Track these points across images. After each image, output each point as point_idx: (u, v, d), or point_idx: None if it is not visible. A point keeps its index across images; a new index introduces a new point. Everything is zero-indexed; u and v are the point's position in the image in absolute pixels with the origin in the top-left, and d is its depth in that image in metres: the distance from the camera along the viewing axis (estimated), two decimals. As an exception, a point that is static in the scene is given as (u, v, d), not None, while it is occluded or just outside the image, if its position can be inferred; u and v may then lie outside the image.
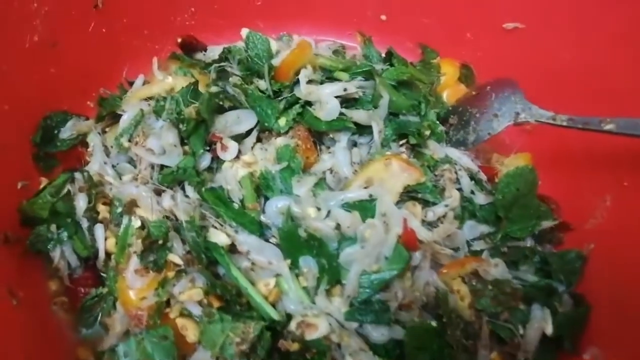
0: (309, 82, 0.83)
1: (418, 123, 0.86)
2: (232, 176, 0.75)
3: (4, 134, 0.79)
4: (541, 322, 0.72)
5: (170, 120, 0.77)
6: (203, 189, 0.73)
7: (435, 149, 0.86)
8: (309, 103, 0.83)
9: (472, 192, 0.82)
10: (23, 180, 0.81)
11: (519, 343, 0.71)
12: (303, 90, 0.81)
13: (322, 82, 0.84)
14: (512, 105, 0.85)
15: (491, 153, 0.96)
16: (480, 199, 0.82)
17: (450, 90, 1.08)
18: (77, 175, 0.82)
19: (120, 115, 0.87)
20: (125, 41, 1.01)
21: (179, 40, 1.00)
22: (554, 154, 0.95)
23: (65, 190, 0.81)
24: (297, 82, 0.83)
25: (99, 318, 0.74)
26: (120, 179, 0.79)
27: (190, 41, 0.99)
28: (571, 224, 0.87)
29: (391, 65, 0.96)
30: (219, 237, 0.69)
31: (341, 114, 0.81)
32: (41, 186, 0.83)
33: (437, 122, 0.91)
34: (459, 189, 0.82)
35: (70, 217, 0.77)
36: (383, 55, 1.01)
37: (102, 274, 0.78)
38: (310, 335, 0.64)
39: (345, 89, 0.81)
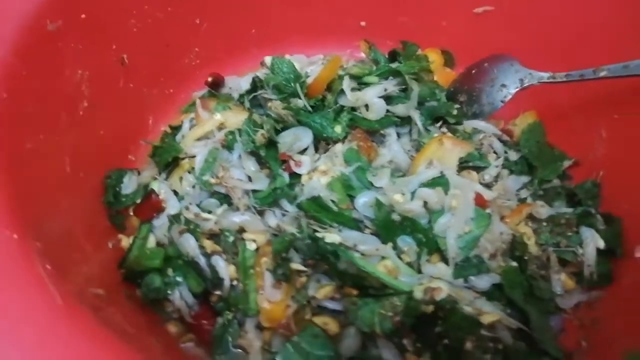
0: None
1: (445, 106, 1.00)
2: (318, 184, 0.84)
3: (88, 199, 0.82)
4: (593, 239, 0.87)
5: (248, 149, 0.84)
6: (301, 201, 0.81)
7: (465, 124, 1.00)
8: (353, 109, 0.94)
9: (505, 152, 0.97)
10: (110, 240, 0.85)
11: (582, 261, 0.87)
12: (350, 98, 0.91)
13: (359, 89, 0.95)
14: (514, 74, 1.01)
15: (498, 120, 1.12)
16: (513, 156, 0.97)
17: (439, 75, 1.22)
18: (156, 222, 0.87)
19: (177, 159, 0.93)
20: (147, 92, 1.05)
21: (210, 79, 1.06)
22: (548, 108, 1.12)
23: (151, 239, 0.85)
24: (339, 92, 0.93)
25: (231, 342, 0.79)
26: (210, 213, 0.84)
27: (218, 78, 1.05)
28: (579, 160, 1.05)
29: (399, 62, 1.09)
30: (333, 237, 0.78)
31: (388, 111, 0.93)
32: (123, 243, 0.87)
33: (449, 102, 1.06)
34: (494, 152, 0.97)
35: (180, 259, 0.81)
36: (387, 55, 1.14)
37: (212, 304, 0.83)
38: (439, 296, 0.75)
39: (385, 89, 0.93)
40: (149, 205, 0.91)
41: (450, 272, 0.80)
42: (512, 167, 0.96)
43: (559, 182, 1.00)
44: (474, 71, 1.10)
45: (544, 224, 0.89)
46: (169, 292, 0.80)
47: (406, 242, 0.81)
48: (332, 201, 0.83)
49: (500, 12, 1.15)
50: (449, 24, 1.23)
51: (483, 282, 0.80)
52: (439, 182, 0.85)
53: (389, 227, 0.81)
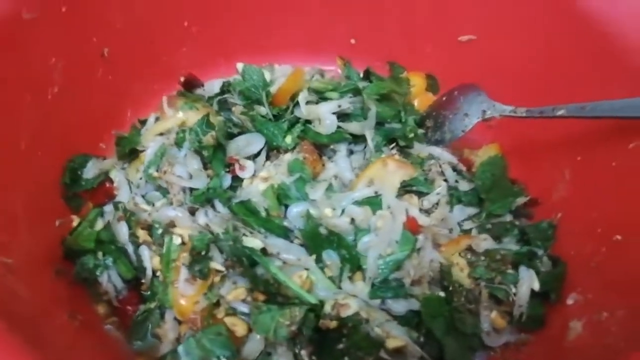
0: (306, 103, 0.96)
1: (402, 129, 1.01)
2: (255, 190, 0.86)
3: (40, 180, 0.88)
4: (529, 280, 0.85)
5: (193, 148, 0.88)
6: (233, 204, 0.84)
7: (420, 149, 1.00)
8: (308, 121, 0.96)
9: (456, 181, 0.96)
10: (59, 219, 0.90)
11: (513, 300, 0.85)
12: (304, 111, 0.94)
13: (317, 102, 0.97)
14: (478, 104, 1.01)
15: (462, 149, 1.12)
16: (464, 186, 0.96)
17: (420, 99, 1.22)
18: (106, 208, 0.92)
19: (137, 151, 0.98)
20: (128, 85, 1.11)
21: (182, 79, 1.11)
22: (516, 143, 1.11)
23: (99, 223, 0.90)
24: (296, 104, 0.96)
25: (150, 330, 0.82)
26: (153, 205, 0.88)
27: (192, 79, 1.10)
28: (539, 199, 1.03)
29: (370, 81, 1.10)
30: (254, 242, 0.80)
31: (338, 127, 0.95)
32: (74, 223, 0.92)
33: (416, 127, 1.06)
34: (445, 180, 0.97)
35: (113, 244, 0.85)
36: (361, 74, 1.15)
37: (142, 292, 0.87)
38: (345, 313, 0.76)
39: (339, 106, 0.95)
40: (104, 191, 0.97)
41: (366, 291, 0.80)
42: (462, 197, 0.95)
43: (511, 218, 0.98)
44: (444, 98, 1.10)
45: (482, 258, 0.88)
46: (98, 273, 0.84)
47: (330, 257, 0.82)
48: (265, 208, 0.85)
49: (483, 42, 1.15)
50: (434, 50, 1.23)
51: (399, 306, 0.80)
52: (372, 201, 0.86)
53: (315, 239, 0.83)
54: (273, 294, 0.76)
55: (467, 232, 0.93)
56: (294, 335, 0.73)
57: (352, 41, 1.30)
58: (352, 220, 0.84)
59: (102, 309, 0.85)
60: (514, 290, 0.85)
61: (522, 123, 1.05)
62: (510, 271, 0.88)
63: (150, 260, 0.83)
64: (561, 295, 0.85)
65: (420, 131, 1.05)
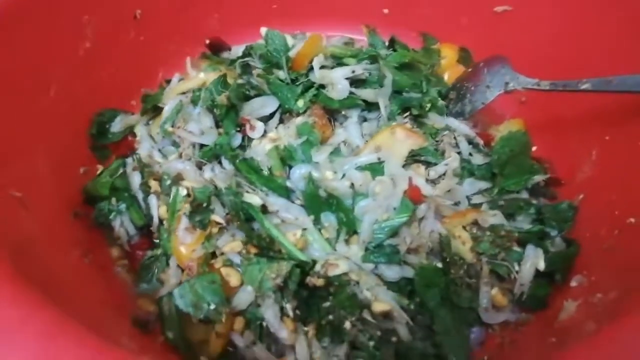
0: (322, 68, 0.96)
1: (420, 98, 0.98)
2: (261, 150, 0.88)
3: (66, 129, 0.94)
4: (534, 259, 0.82)
5: (206, 107, 0.91)
6: (237, 161, 0.86)
7: (436, 120, 0.98)
8: (322, 86, 0.96)
9: (470, 154, 0.94)
10: (84, 167, 0.96)
11: (515, 278, 0.82)
12: (317, 75, 0.94)
13: (333, 68, 0.97)
14: (501, 76, 0.97)
15: (489, 124, 1.08)
16: (478, 159, 0.93)
17: (451, 71, 1.19)
18: (129, 160, 0.97)
19: (161, 109, 1.02)
20: (160, 46, 1.16)
21: (207, 41, 1.14)
22: (545, 121, 1.06)
23: (120, 172, 0.96)
24: (312, 69, 0.96)
25: (155, 274, 0.87)
26: (167, 159, 0.93)
27: (217, 42, 1.13)
28: (562, 179, 0.98)
29: (394, 50, 1.08)
30: (253, 198, 0.82)
31: (351, 93, 0.94)
32: (98, 172, 0.99)
33: (438, 98, 1.03)
34: (459, 153, 0.94)
35: (127, 192, 0.91)
36: (387, 43, 1.13)
37: (154, 239, 0.92)
38: (333, 272, 0.76)
39: (353, 71, 0.94)
40: (128, 144, 1.02)
41: (360, 254, 0.80)
42: (474, 171, 0.92)
43: (528, 196, 0.94)
44: (470, 70, 1.06)
45: (487, 233, 0.85)
46: (111, 218, 0.90)
47: (328, 219, 0.83)
48: (269, 167, 0.87)
49: (518, 13, 1.10)
50: (469, 21, 1.19)
51: (392, 272, 0.80)
52: (375, 167, 0.85)
53: (315, 201, 0.84)
54: (265, 248, 0.78)
55: (476, 207, 0.90)
56: (280, 289, 0.74)
57: (385, 11, 1.28)
58: (352, 185, 0.83)
59: (115, 252, 0.91)
60: (517, 268, 0.82)
61: (553, 100, 1.01)
62: (517, 249, 0.85)
63: (157, 208, 0.87)
64: (567, 277, 0.81)
65: (442, 103, 1.02)
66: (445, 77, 1.18)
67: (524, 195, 0.94)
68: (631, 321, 0.51)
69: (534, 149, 1.07)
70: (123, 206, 0.90)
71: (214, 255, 0.83)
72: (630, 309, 0.54)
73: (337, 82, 0.93)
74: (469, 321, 0.82)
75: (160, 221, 0.88)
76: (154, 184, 0.89)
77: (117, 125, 1.03)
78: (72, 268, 0.78)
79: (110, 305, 0.79)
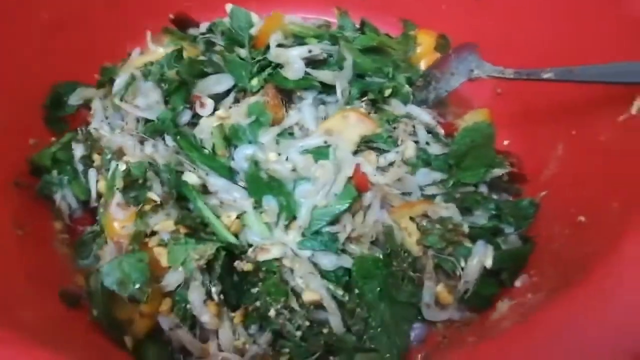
0: (280, 46, 0.92)
1: (382, 83, 0.94)
2: (206, 127, 0.85)
3: (17, 99, 0.92)
4: (481, 256, 0.78)
5: (155, 81, 0.88)
6: (179, 138, 0.83)
7: (397, 107, 0.94)
8: (280, 66, 0.93)
9: (428, 143, 0.89)
10: (34, 138, 0.94)
11: (460, 275, 0.78)
12: (272, 53, 0.90)
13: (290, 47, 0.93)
14: (467, 63, 0.92)
15: (461, 116, 1.03)
16: (436, 149, 0.89)
17: (428, 59, 1.14)
18: (79, 131, 0.96)
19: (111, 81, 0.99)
20: (126, 19, 1.13)
21: (172, 16, 1.11)
22: (520, 114, 1.01)
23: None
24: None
25: (94, 251, 0.85)
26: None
27: (182, 17, 1.10)
28: (529, 175, 0.93)
29: (363, 33, 1.04)
30: (190, 177, 0.80)
31: (308, 74, 0.91)
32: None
33: (406, 85, 0.99)
34: (416, 142, 0.90)
35: (69, 165, 0.89)
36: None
37: (97, 216, 0.90)
38: (262, 257, 0.73)
39: (310, 51, 0.90)
40: (83, 118, 1.00)
41: (297, 240, 0.77)
42: (431, 161, 0.88)
43: (487, 191, 0.89)
44: (440, 57, 1.01)
45: (437, 226, 0.81)
46: (53, 190, 0.88)
47: (269, 203, 0.80)
48: (212, 146, 0.84)
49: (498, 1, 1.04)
50: (449, 8, 1.14)
51: (328, 261, 0.76)
52: (321, 151, 0.81)
53: (257, 183, 0.80)
54: (196, 229, 0.75)
55: (429, 198, 0.86)
56: (203, 270, 0.71)
57: (364, -6, 1.24)
58: (295, 169, 0.80)
59: (58, 226, 0.89)
60: (463, 263, 0.78)
61: (530, 93, 0.96)
62: (468, 244, 0.80)
63: (96, 183, 0.85)
64: (514, 277, 0.76)
65: (407, 89, 0.98)
66: (422, 65, 1.13)
67: (483, 189, 0.89)
68: (540, 320, 0.47)
69: (505, 142, 1.02)
70: (65, 179, 0.88)
71: (153, 234, 0.80)
72: (545, 308, 0.50)
73: (293, 62, 0.89)
74: (409, 317, 0.78)
75: (99, 196, 0.86)
76: (97, 158, 0.87)
77: (74, 98, 1.01)
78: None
79: (37, 278, 0.76)
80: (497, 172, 0.87)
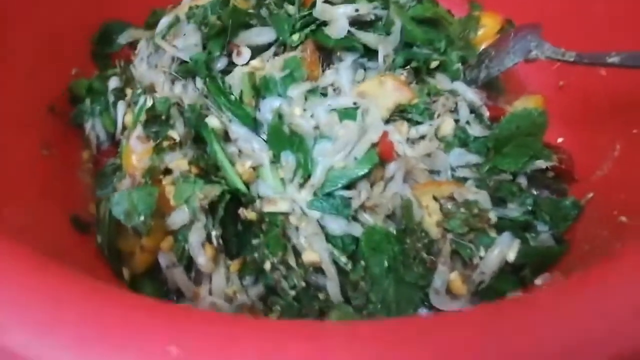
0: (328, 3, 0.89)
1: (429, 54, 0.88)
2: (238, 75, 0.83)
3: (66, 29, 0.94)
4: (505, 248, 0.71)
5: (196, 23, 0.87)
6: (208, 80, 0.82)
7: (442, 81, 0.87)
8: (325, 24, 0.89)
9: (468, 123, 0.82)
10: (77, 68, 0.97)
11: (477, 264, 0.71)
12: (318, 9, 0.87)
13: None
14: (526, 43, 0.84)
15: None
16: (476, 130, 0.82)
17: (489, 42, 1.07)
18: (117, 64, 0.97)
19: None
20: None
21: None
22: (580, 110, 0.92)
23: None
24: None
25: (113, 183, 0.85)
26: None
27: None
28: (577, 175, 0.84)
29: (419, 3, 0.98)
30: (213, 121, 0.78)
31: (351, 34, 0.86)
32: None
33: (455, 61, 0.92)
34: (457, 120, 0.83)
35: (103, 96, 0.90)
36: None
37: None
38: (268, 209, 0.70)
39: (356, 10, 0.85)
40: (126, 55, 1.01)
41: (308, 199, 0.73)
42: (468, 142, 0.81)
43: (526, 184, 0.81)
44: (500, 35, 0.94)
45: (461, 209, 0.74)
46: (85, 119, 0.89)
47: (287, 158, 0.76)
48: (240, 93, 0.81)
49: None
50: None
51: (336, 225, 0.72)
52: (349, 113, 0.77)
53: (278, 136, 0.77)
54: (207, 171, 0.73)
55: (460, 181, 0.79)
56: (207, 213, 0.70)
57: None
58: (318, 126, 0.76)
59: (85, 155, 0.91)
60: (482, 253, 0.71)
61: (592, 88, 0.87)
62: (493, 234, 0.74)
63: (123, 116, 0.85)
64: (536, 274, 0.69)
65: (458, 67, 0.91)
66: (482, 47, 1.06)
67: (522, 181, 0.81)
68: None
69: (560, 140, 0.94)
70: (97, 109, 0.89)
71: (168, 172, 0.80)
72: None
73: (337, 19, 0.85)
74: (414, 300, 0.72)
75: (125, 129, 0.86)
76: (129, 92, 0.88)
77: (124, 37, 1.03)
78: (21, 152, 0.78)
79: (52, 198, 0.78)
80: (540, 164, 0.80)
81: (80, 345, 0.37)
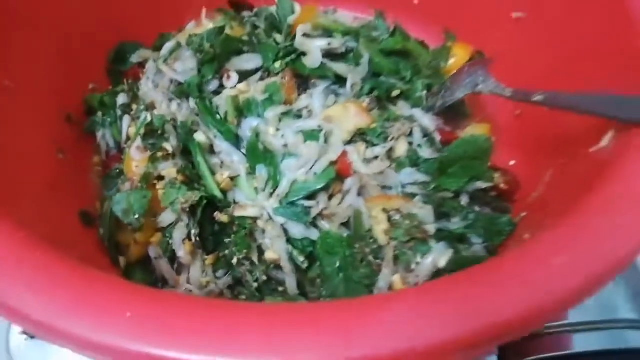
0: (307, 36, 1.02)
1: (393, 84, 1.01)
2: (224, 96, 0.97)
3: (87, 50, 1.09)
4: (437, 255, 0.83)
5: (193, 50, 1.02)
6: (198, 101, 0.96)
7: (403, 108, 1.00)
8: (303, 54, 1.02)
9: (419, 146, 0.94)
10: (93, 83, 1.12)
11: (414, 269, 0.83)
12: (298, 41, 1.00)
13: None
14: (476, 77, 0.96)
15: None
16: (427, 153, 0.94)
17: (459, 71, 1.18)
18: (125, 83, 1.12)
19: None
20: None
21: (228, -2, 1.25)
22: (533, 137, 1.02)
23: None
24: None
25: (117, 185, 1.00)
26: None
27: (240, 1, 1.23)
28: (517, 196, 0.95)
29: (391, 37, 1.11)
30: (200, 136, 0.92)
31: (325, 64, 1.00)
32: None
33: (419, 89, 1.04)
34: (411, 143, 0.95)
35: (112, 110, 1.05)
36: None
37: (125, 157, 1.05)
38: (238, 213, 0.84)
39: (329, 44, 0.99)
40: (136, 73, 1.17)
41: (274, 207, 0.86)
42: (419, 163, 0.93)
43: (468, 201, 0.93)
44: (456, 70, 1.06)
45: (406, 221, 0.87)
46: (97, 129, 1.05)
47: (260, 171, 0.90)
48: (225, 113, 0.96)
49: (531, 21, 1.06)
50: (489, 24, 1.17)
51: (296, 230, 0.85)
52: (313, 134, 0.90)
53: (254, 152, 0.91)
54: (191, 179, 0.87)
55: (409, 196, 0.92)
56: (188, 215, 0.84)
57: (415, 2, 1.29)
58: (287, 145, 0.90)
59: (96, 160, 1.06)
60: (418, 259, 0.84)
61: (543, 116, 0.97)
62: (432, 244, 0.86)
63: (127, 128, 1.00)
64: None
65: (420, 94, 1.04)
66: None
67: (464, 199, 0.93)
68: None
69: (512, 162, 1.05)
70: (108, 121, 1.04)
71: (162, 178, 0.94)
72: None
73: (313, 51, 0.99)
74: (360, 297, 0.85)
75: (129, 139, 1.01)
76: (134, 108, 1.02)
77: (135, 57, 1.18)
78: (39, 155, 0.93)
79: (62, 193, 0.92)
80: (480, 184, 0.91)
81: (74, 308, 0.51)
